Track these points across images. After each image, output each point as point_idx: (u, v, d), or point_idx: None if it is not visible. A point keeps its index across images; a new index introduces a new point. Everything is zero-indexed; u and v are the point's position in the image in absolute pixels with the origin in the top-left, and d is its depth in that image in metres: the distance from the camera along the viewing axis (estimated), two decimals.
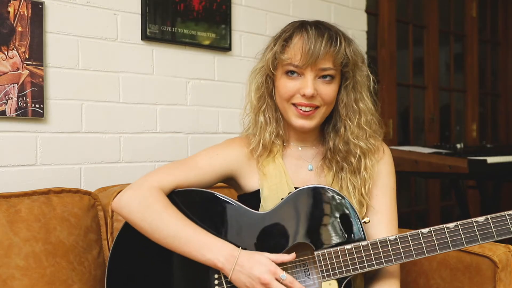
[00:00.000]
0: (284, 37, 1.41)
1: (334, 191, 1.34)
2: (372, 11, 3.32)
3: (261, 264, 1.23)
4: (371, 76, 1.48)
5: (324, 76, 1.37)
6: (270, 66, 1.42)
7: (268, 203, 1.39)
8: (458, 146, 3.03)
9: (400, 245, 1.28)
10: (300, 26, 1.40)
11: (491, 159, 2.67)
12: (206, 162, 1.43)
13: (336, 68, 1.38)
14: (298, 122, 1.39)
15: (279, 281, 1.22)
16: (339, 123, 1.44)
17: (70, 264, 1.51)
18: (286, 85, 1.39)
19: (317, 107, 1.39)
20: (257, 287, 1.22)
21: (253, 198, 1.41)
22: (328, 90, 1.38)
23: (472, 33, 4.31)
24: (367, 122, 1.44)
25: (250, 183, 1.45)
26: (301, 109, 1.38)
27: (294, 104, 1.39)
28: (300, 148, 1.49)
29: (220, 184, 1.51)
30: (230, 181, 1.50)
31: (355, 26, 2.93)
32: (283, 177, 1.42)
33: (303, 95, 1.36)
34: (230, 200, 1.37)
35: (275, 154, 1.45)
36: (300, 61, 1.35)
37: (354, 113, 1.43)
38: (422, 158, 2.75)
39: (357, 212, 1.33)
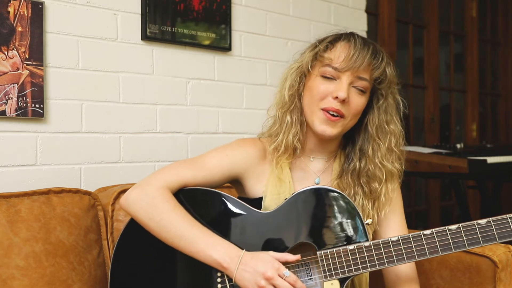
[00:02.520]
0: (330, 39, 1.43)
1: (337, 192, 1.34)
2: (372, 11, 3.33)
3: (265, 261, 1.24)
4: (402, 101, 1.48)
5: (359, 87, 1.38)
6: (308, 64, 1.42)
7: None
8: (458, 146, 3.03)
9: (402, 246, 1.28)
10: (348, 34, 1.43)
11: (491, 159, 2.67)
12: (215, 163, 1.42)
13: (370, 82, 1.40)
14: (321, 127, 1.38)
15: (282, 278, 1.22)
16: (367, 144, 1.44)
17: (70, 264, 1.51)
18: (319, 86, 1.39)
19: (342, 116, 1.38)
20: (261, 283, 1.22)
21: (253, 204, 1.40)
22: (358, 101, 1.38)
23: (472, 33, 4.31)
24: (396, 145, 1.45)
25: (254, 188, 1.45)
26: (328, 113, 1.37)
27: (323, 110, 1.38)
28: (312, 159, 1.48)
29: None
30: (235, 183, 1.49)
31: (355, 26, 2.93)
32: (287, 189, 1.42)
33: (335, 98, 1.35)
34: (234, 199, 1.37)
35: (291, 159, 1.45)
36: (341, 64, 1.36)
37: (384, 134, 1.43)
38: (422, 158, 2.75)
39: (360, 213, 1.33)
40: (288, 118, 1.44)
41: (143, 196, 1.33)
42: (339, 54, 1.38)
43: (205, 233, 1.29)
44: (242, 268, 1.24)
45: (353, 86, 1.38)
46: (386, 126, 1.44)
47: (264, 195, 1.42)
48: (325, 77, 1.39)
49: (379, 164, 1.42)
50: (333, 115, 1.37)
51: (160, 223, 1.30)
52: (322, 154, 1.48)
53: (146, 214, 1.32)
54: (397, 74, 1.47)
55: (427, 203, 4.02)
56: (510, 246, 1.60)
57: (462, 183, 3.11)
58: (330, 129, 1.38)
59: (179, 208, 1.32)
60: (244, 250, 1.27)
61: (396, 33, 3.55)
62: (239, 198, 1.50)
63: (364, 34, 3.00)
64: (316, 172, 1.47)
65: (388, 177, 1.43)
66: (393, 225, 1.46)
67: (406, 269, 1.43)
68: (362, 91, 1.39)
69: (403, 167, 1.48)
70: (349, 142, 1.49)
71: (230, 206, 1.36)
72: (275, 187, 1.42)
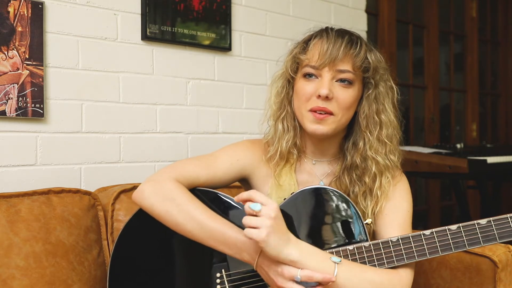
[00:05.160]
0: (304, 40, 1.41)
1: (336, 192, 1.33)
2: (372, 11, 3.33)
3: (277, 270, 1.18)
4: (395, 87, 1.43)
5: (342, 80, 1.34)
6: (289, 69, 1.41)
7: None
8: (458, 146, 3.03)
9: (402, 247, 1.27)
10: (321, 30, 1.40)
11: (491, 159, 2.67)
12: (226, 166, 1.41)
13: (356, 72, 1.35)
14: (312, 126, 1.35)
15: (297, 282, 1.17)
16: (359, 136, 1.40)
17: (70, 264, 1.51)
18: (303, 87, 1.37)
19: (331, 114, 1.34)
20: (277, 286, 1.19)
21: None
22: (345, 95, 1.34)
23: (472, 33, 4.31)
24: (388, 136, 1.39)
25: (261, 189, 1.44)
26: (316, 113, 1.34)
27: (311, 111, 1.35)
28: (314, 162, 1.46)
29: None
30: (242, 181, 1.49)
31: (355, 26, 2.93)
32: (292, 192, 1.40)
33: (318, 96, 1.33)
34: (233, 200, 1.37)
35: (291, 164, 1.43)
36: (318, 61, 1.34)
37: (374, 125, 1.38)
38: (422, 158, 2.75)
39: (359, 213, 1.33)
40: (280, 126, 1.43)
41: (159, 189, 1.31)
42: (313, 52, 1.35)
43: (223, 225, 1.25)
44: (259, 265, 1.21)
45: (336, 81, 1.34)
46: (376, 117, 1.39)
47: (269, 197, 1.41)
48: (307, 77, 1.37)
49: (370, 157, 1.38)
50: (320, 113, 1.34)
51: (178, 216, 1.28)
52: (324, 157, 1.46)
53: (163, 207, 1.30)
54: (384, 58, 1.42)
55: (427, 203, 4.02)
56: (510, 246, 1.60)
57: (462, 183, 3.11)
58: (321, 127, 1.35)
59: (195, 200, 1.30)
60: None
61: (396, 33, 3.55)
62: None
63: (364, 34, 3.00)
64: (320, 176, 1.46)
65: (382, 170, 1.39)
66: (389, 224, 1.38)
67: None
68: (347, 84, 1.35)
69: (395, 159, 1.41)
70: (347, 140, 1.45)
71: (229, 206, 1.36)
72: (277, 192, 1.42)
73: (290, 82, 1.44)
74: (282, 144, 1.42)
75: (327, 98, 1.33)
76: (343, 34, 1.37)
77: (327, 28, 1.41)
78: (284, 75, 1.45)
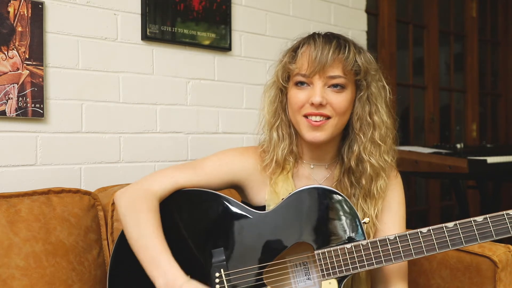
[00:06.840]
0: (293, 48, 1.41)
1: (334, 191, 1.34)
2: (372, 11, 3.33)
3: None
4: (387, 87, 1.43)
5: (334, 85, 1.34)
6: (280, 78, 1.41)
7: None
8: (458, 146, 3.02)
9: (399, 244, 1.28)
10: (309, 37, 1.40)
11: (491, 159, 2.67)
12: (213, 169, 1.41)
13: (347, 76, 1.35)
14: (310, 134, 1.36)
15: None
16: (353, 139, 1.41)
17: (70, 264, 1.51)
18: (296, 96, 1.37)
19: (328, 118, 1.35)
20: None
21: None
22: (338, 99, 1.35)
23: (472, 33, 4.31)
24: (381, 137, 1.40)
25: (257, 197, 1.44)
26: (311, 119, 1.35)
27: (305, 116, 1.36)
28: (312, 166, 1.46)
29: None
30: (237, 188, 1.49)
31: (355, 26, 2.93)
32: None
33: (312, 104, 1.33)
34: (232, 200, 1.37)
35: (288, 171, 1.43)
36: (307, 70, 1.34)
37: (368, 127, 1.39)
38: (422, 158, 2.75)
39: (357, 212, 1.33)
40: (275, 134, 1.43)
41: (132, 207, 1.33)
42: (302, 61, 1.36)
43: (159, 247, 1.26)
44: None
45: (328, 87, 1.35)
46: (369, 118, 1.39)
47: (267, 204, 1.41)
48: (298, 85, 1.37)
49: (365, 160, 1.39)
50: (316, 121, 1.35)
51: (130, 228, 1.30)
52: (322, 161, 1.46)
53: (127, 221, 1.32)
54: (374, 58, 1.41)
55: (427, 203, 4.02)
56: (510, 246, 1.61)
57: (462, 183, 3.11)
58: (319, 134, 1.35)
59: (153, 218, 1.30)
60: (189, 278, 1.23)
61: (396, 33, 3.55)
62: (242, 202, 1.50)
63: (364, 34, 3.01)
64: (319, 180, 1.46)
65: (377, 171, 1.40)
66: (386, 224, 1.42)
67: (395, 267, 1.40)
68: (340, 88, 1.35)
69: (389, 159, 1.42)
70: (343, 143, 1.46)
71: (228, 206, 1.36)
72: (274, 199, 1.41)
73: (282, 91, 1.44)
74: (278, 152, 1.42)
75: (321, 105, 1.34)
76: (330, 39, 1.37)
77: (314, 34, 1.41)
78: (276, 84, 1.44)
